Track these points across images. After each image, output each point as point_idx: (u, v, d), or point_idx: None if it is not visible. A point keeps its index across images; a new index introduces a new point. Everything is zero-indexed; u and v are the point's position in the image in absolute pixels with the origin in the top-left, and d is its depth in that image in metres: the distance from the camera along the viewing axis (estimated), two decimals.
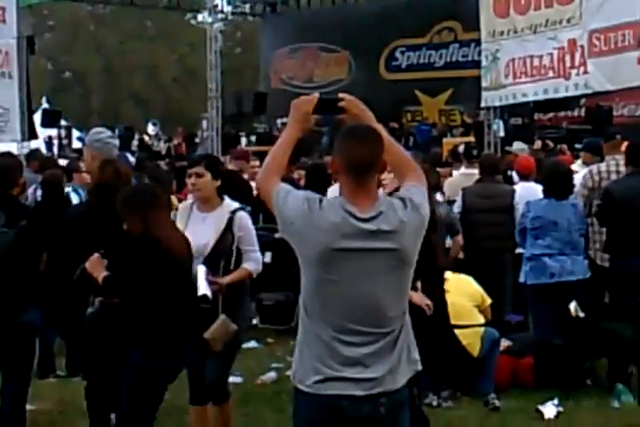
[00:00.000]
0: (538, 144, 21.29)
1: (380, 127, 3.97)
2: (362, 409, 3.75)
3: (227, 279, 6.07)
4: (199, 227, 6.15)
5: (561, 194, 8.18)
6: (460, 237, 9.36)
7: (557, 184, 8.21)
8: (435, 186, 8.70)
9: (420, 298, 6.21)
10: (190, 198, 6.71)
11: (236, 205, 6.27)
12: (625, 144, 8.51)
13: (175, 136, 31.42)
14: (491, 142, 23.46)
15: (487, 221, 9.41)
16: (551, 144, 21.79)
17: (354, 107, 4.01)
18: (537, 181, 9.48)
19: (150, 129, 33.36)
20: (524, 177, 10.23)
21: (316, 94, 4.06)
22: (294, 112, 4.01)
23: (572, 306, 7.77)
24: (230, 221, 6.14)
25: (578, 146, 15.23)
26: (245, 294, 6.37)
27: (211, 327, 6.02)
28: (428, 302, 6.33)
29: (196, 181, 6.18)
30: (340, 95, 4.03)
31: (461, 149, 13.38)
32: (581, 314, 7.76)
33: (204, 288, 5.89)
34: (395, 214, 3.79)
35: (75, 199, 9.03)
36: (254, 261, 6.29)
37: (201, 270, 5.97)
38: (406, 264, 3.83)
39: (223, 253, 6.11)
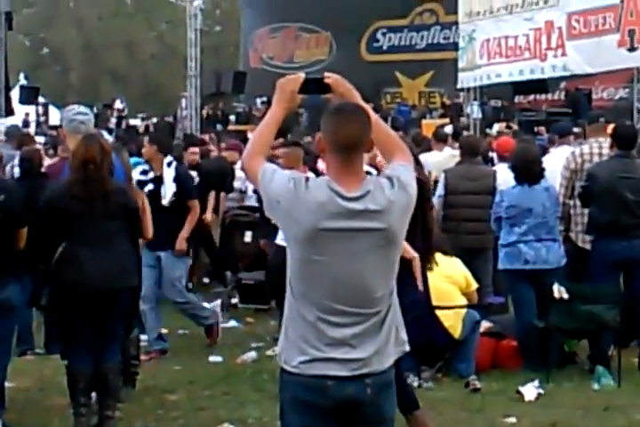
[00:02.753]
0: (501, 126, 21.29)
1: (366, 106, 3.93)
2: (347, 390, 3.71)
3: None
4: None
5: (532, 180, 8.16)
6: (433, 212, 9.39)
7: (527, 170, 8.18)
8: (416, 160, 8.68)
9: (408, 249, 5.78)
10: None
11: None
12: (611, 126, 8.48)
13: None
14: (470, 124, 23.50)
15: (469, 203, 9.40)
16: (515, 126, 21.79)
17: (340, 86, 3.96)
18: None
19: (118, 105, 33.22)
20: (504, 158, 10.23)
21: (302, 74, 4.01)
22: (280, 92, 3.96)
23: (556, 288, 7.77)
24: None
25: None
26: None
27: None
28: (415, 255, 6.03)
29: None
30: (326, 74, 3.99)
31: (449, 129, 13.37)
32: (565, 296, 7.76)
33: None
34: (382, 194, 3.75)
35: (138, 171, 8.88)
36: None
37: None
38: (393, 244, 3.79)
39: None
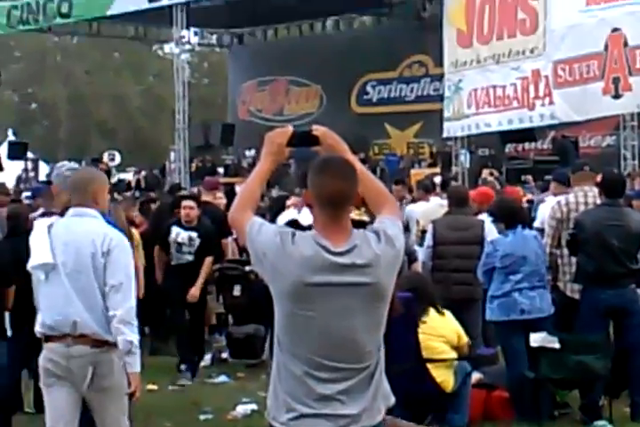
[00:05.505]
0: (485, 173, 21.29)
1: (354, 158, 3.93)
2: None
3: None
4: None
5: (518, 224, 8.19)
6: (417, 265, 9.39)
7: (514, 217, 8.23)
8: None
9: None
10: None
11: None
12: (599, 176, 8.49)
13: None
14: (458, 173, 23.57)
15: (458, 254, 9.38)
16: (496, 173, 21.79)
17: (328, 137, 3.96)
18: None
19: (107, 159, 33.17)
20: (484, 209, 10.31)
21: (290, 127, 4.02)
22: (268, 145, 3.96)
23: (541, 337, 7.73)
24: None
25: (547, 177, 15.24)
26: None
27: None
28: None
29: None
30: (314, 126, 3.99)
31: (438, 180, 13.43)
32: (557, 345, 7.73)
33: None
34: (369, 248, 3.74)
35: None
36: None
37: None
38: (381, 298, 3.78)
39: None
